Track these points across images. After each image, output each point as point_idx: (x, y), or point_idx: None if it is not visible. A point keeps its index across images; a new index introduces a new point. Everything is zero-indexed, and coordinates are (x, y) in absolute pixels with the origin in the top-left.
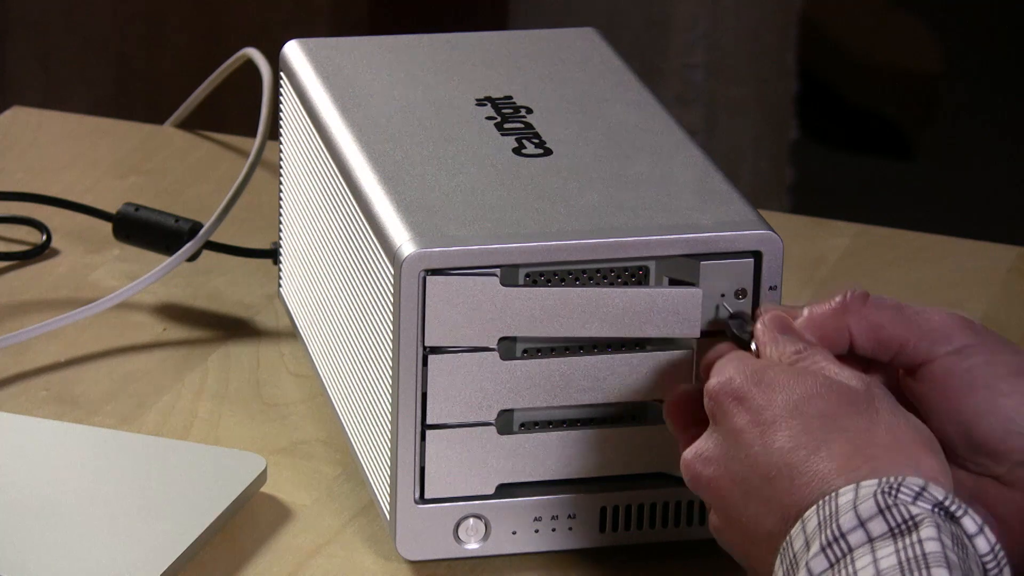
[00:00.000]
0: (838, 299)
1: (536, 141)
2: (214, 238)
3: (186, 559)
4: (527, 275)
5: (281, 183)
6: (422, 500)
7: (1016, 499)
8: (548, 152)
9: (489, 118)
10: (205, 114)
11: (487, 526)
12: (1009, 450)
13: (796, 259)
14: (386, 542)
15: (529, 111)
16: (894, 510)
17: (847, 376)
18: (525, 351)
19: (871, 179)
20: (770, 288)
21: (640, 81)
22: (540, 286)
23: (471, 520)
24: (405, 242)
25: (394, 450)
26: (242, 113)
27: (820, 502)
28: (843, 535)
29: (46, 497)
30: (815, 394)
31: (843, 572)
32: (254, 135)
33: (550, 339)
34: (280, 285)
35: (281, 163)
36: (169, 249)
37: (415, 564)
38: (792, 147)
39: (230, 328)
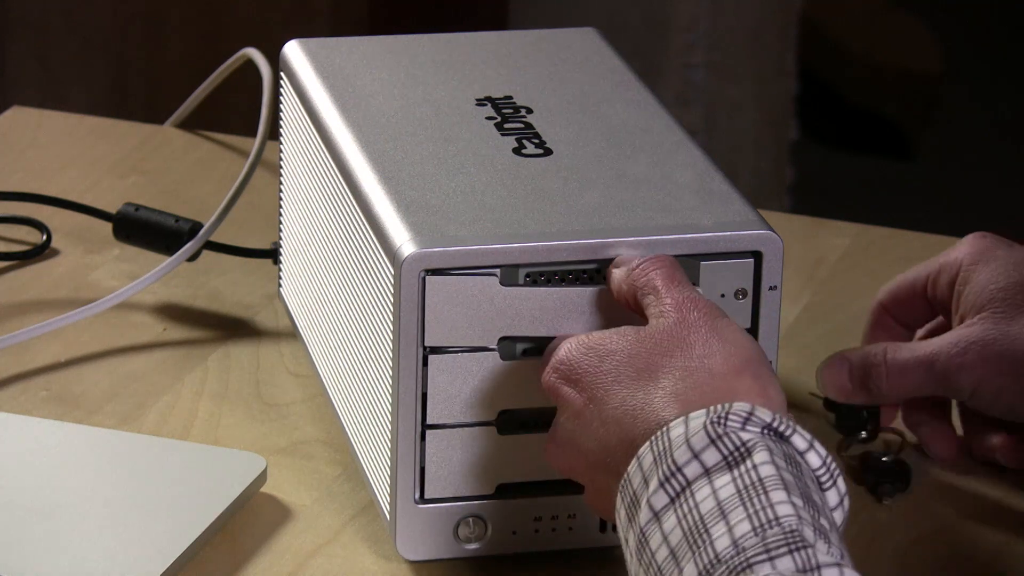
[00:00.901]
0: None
1: (536, 141)
2: (214, 238)
3: (186, 559)
4: (527, 275)
5: (281, 183)
6: (422, 500)
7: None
8: (548, 152)
9: (489, 118)
10: (205, 114)
11: (487, 526)
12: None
13: (796, 259)
14: (386, 542)
15: (529, 111)
16: (725, 439)
17: (666, 308)
18: (525, 351)
19: (871, 179)
20: (770, 288)
21: (640, 81)
22: (540, 286)
23: (471, 520)
24: (405, 242)
25: (394, 450)
26: (242, 113)
27: (652, 437)
28: (679, 469)
29: (46, 497)
30: (634, 352)
31: (684, 506)
32: (254, 135)
33: (550, 339)
34: (280, 285)
35: (281, 163)
36: (169, 249)
37: (415, 564)
38: (792, 147)
39: (230, 328)
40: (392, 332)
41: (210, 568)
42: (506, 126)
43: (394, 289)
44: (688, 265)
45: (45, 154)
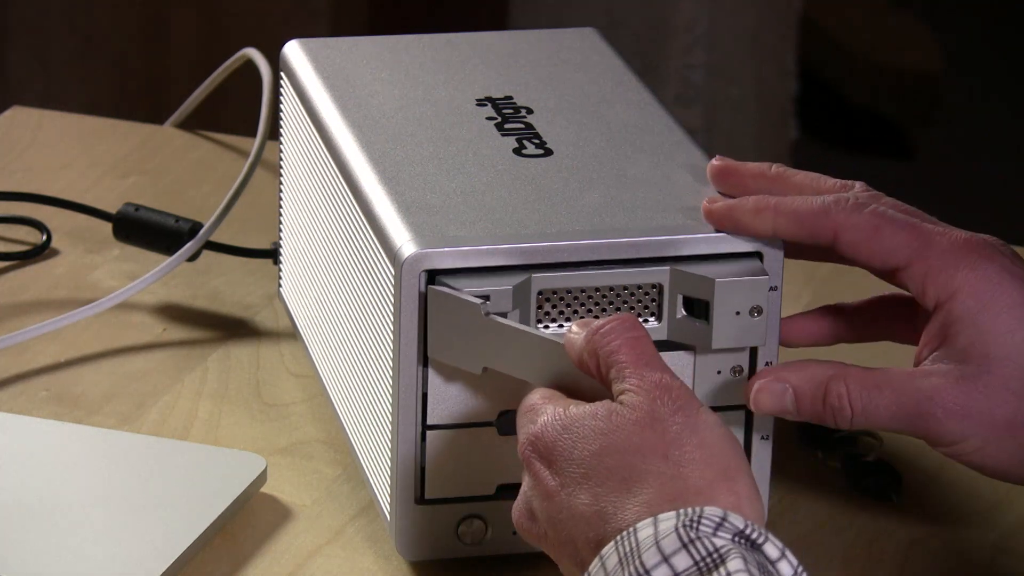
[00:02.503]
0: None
1: (536, 141)
2: (214, 238)
3: (186, 559)
4: (539, 292)
5: (281, 183)
6: (422, 500)
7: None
8: (548, 152)
9: (489, 118)
10: (205, 114)
11: (487, 526)
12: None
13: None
14: (386, 542)
15: (529, 111)
16: (698, 543)
17: (636, 390)
18: None
19: (871, 179)
20: (770, 288)
21: (640, 81)
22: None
23: (471, 520)
24: (405, 243)
25: (394, 450)
26: (242, 113)
27: (618, 537)
28: (647, 571)
29: (46, 497)
30: (608, 444)
31: None
32: (254, 135)
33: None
34: (280, 285)
35: (281, 163)
36: (169, 249)
37: (415, 564)
38: (792, 147)
39: (230, 328)
40: (392, 332)
41: (210, 568)
42: (506, 126)
43: (394, 289)
44: (702, 284)
45: (45, 154)
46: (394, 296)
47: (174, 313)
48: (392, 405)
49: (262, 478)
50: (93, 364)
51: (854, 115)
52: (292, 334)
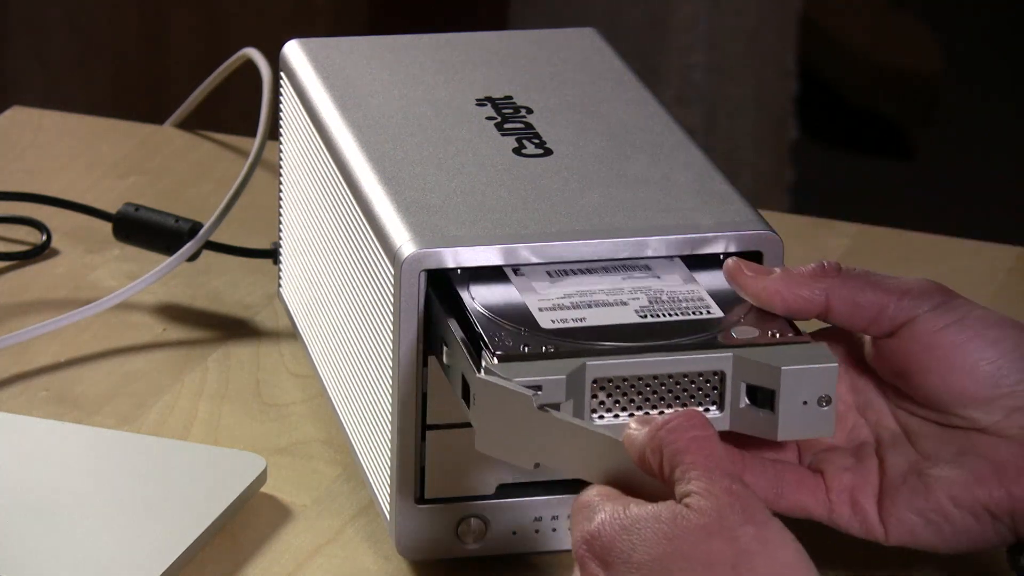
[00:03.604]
0: (813, 265)
1: (536, 141)
2: (214, 238)
3: (186, 559)
4: (594, 380)
5: (281, 183)
6: (422, 500)
7: (1008, 447)
8: (548, 152)
9: (489, 118)
10: (205, 114)
11: (487, 526)
12: (997, 400)
13: (796, 259)
14: (386, 542)
15: (529, 111)
16: None
17: (703, 493)
18: None
19: (871, 179)
20: None
21: (640, 81)
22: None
23: (471, 520)
24: (405, 242)
25: (394, 450)
26: (242, 113)
27: None
28: None
29: (46, 497)
30: (669, 552)
31: None
32: (254, 135)
33: None
34: (280, 285)
35: (281, 163)
36: (169, 249)
37: (415, 564)
38: (792, 147)
39: (230, 328)
40: (392, 332)
41: (210, 568)
42: (506, 126)
43: (394, 289)
44: (767, 372)
45: (45, 154)
46: (394, 296)
47: (174, 313)
48: (392, 405)
49: (262, 478)
50: (93, 364)
51: (854, 115)
52: (292, 334)
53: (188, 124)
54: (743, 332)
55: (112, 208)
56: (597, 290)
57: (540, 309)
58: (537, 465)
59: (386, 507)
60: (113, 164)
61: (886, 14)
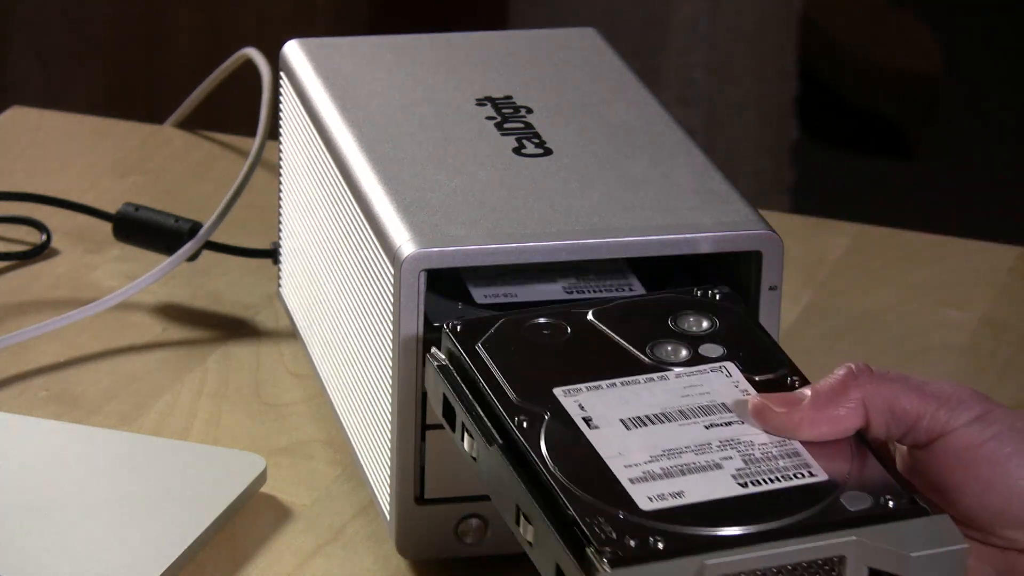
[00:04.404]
0: (841, 372)
1: (536, 141)
2: (214, 238)
3: (186, 559)
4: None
5: (281, 183)
6: (422, 500)
7: None
8: (548, 152)
9: (489, 118)
10: (205, 114)
11: (487, 526)
12: None
13: (796, 259)
14: (386, 542)
15: (529, 111)
16: None
17: None
18: None
19: (871, 179)
20: (770, 288)
21: (640, 81)
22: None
23: (471, 520)
24: (405, 242)
25: (394, 450)
26: (242, 113)
27: None
28: None
29: (46, 497)
30: None
31: None
32: (254, 135)
33: None
34: (280, 285)
35: (281, 163)
36: (169, 249)
37: (415, 564)
38: (792, 147)
39: (230, 328)
40: (392, 332)
41: (210, 568)
42: (506, 126)
43: (394, 289)
44: (895, 559)
45: (45, 154)
46: (393, 295)
47: (174, 313)
48: (392, 405)
49: (262, 478)
50: (93, 364)
51: (854, 115)
52: (292, 334)
53: (188, 124)
54: (855, 500)
55: (112, 208)
56: (683, 448)
57: (632, 481)
58: None
59: (386, 507)
60: (113, 164)
61: (886, 14)
